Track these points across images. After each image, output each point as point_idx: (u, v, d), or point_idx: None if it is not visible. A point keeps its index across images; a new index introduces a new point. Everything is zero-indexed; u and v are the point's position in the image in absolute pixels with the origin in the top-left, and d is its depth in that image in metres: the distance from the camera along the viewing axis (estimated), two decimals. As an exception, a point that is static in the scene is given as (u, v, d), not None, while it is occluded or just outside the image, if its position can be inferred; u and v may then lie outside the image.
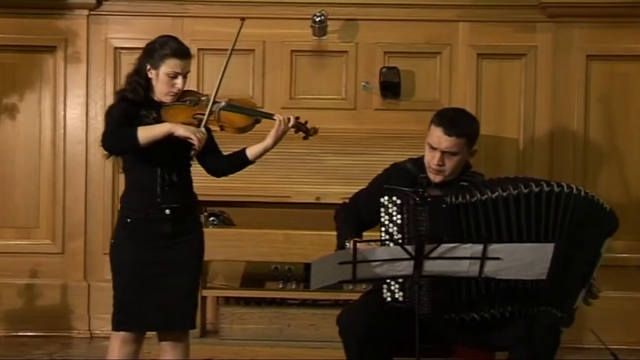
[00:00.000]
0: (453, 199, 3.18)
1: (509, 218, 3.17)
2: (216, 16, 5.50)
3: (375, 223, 3.44)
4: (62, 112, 5.58)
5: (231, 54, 3.68)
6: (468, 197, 3.17)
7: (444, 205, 3.17)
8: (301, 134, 3.74)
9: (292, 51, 5.55)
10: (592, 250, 3.26)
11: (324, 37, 5.49)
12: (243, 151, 3.72)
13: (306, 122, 3.73)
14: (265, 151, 3.68)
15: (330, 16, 5.40)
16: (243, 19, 3.76)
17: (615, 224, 3.32)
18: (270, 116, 3.67)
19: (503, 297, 3.19)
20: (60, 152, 5.58)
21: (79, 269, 5.59)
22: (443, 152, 3.32)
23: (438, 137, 3.32)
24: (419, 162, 3.46)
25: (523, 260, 2.99)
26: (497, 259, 2.97)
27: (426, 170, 3.39)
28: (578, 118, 5.50)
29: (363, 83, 5.50)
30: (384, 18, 5.51)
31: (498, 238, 3.13)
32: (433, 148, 3.34)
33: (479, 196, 3.17)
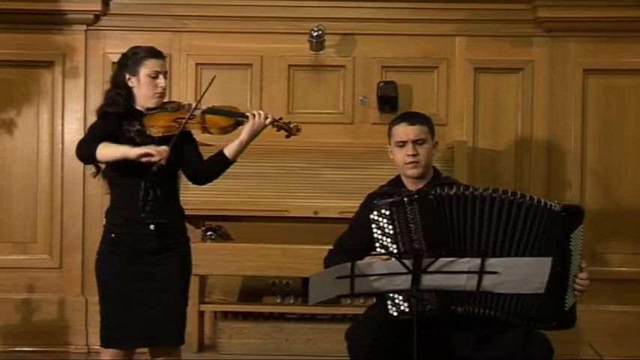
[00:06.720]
0: (438, 191, 3.28)
1: (484, 216, 3.24)
2: (214, 31, 5.53)
3: (365, 256, 3.46)
4: (60, 127, 5.58)
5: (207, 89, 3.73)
6: (451, 190, 3.27)
7: (430, 196, 3.26)
8: (283, 132, 3.76)
9: (290, 65, 5.56)
10: (560, 252, 3.26)
11: (322, 52, 5.50)
12: (220, 152, 3.69)
13: (289, 122, 3.75)
14: (242, 146, 3.66)
15: (327, 31, 5.41)
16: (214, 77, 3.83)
17: (577, 215, 3.30)
18: (247, 116, 3.69)
19: (502, 303, 3.22)
20: (58, 167, 5.57)
21: (77, 284, 5.57)
22: (413, 143, 3.49)
23: (404, 130, 3.53)
24: (392, 183, 3.59)
25: (521, 274, 3.00)
26: (496, 273, 2.97)
27: (404, 184, 3.51)
28: (575, 131, 5.51)
29: (360, 97, 5.51)
30: (382, 32, 5.52)
31: (487, 235, 3.21)
32: (403, 143, 3.52)
33: (470, 191, 3.27)
